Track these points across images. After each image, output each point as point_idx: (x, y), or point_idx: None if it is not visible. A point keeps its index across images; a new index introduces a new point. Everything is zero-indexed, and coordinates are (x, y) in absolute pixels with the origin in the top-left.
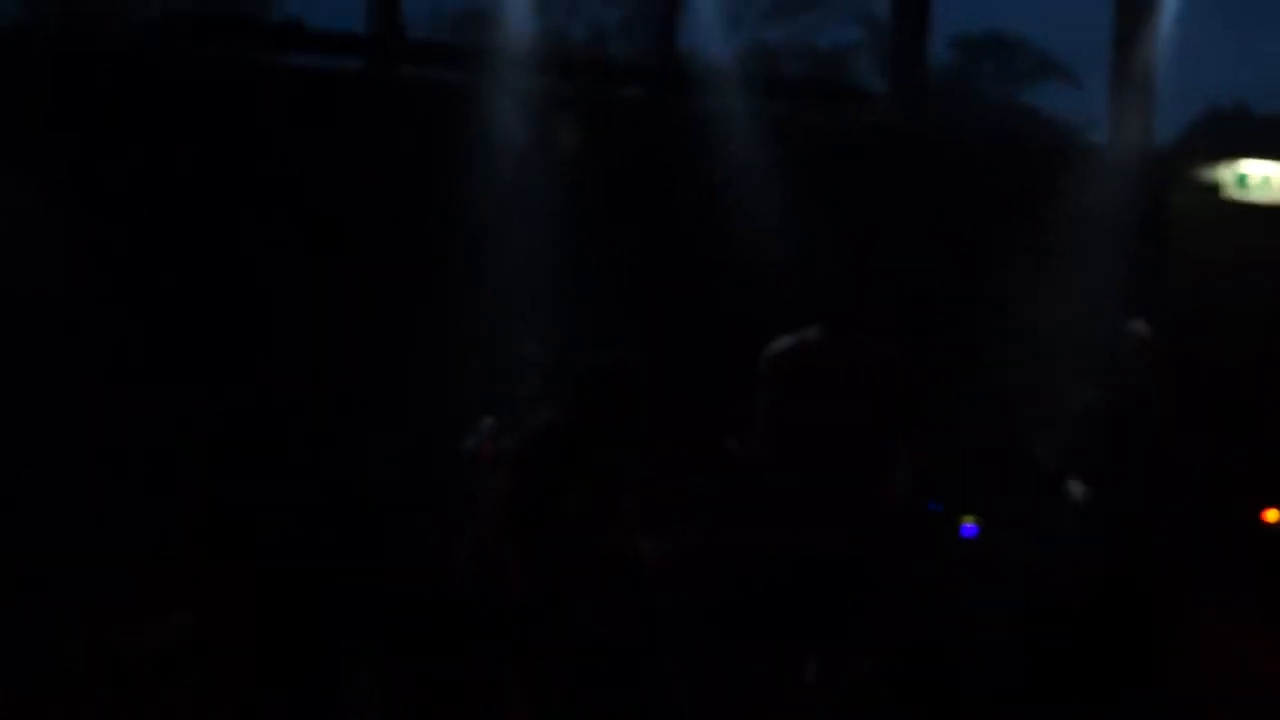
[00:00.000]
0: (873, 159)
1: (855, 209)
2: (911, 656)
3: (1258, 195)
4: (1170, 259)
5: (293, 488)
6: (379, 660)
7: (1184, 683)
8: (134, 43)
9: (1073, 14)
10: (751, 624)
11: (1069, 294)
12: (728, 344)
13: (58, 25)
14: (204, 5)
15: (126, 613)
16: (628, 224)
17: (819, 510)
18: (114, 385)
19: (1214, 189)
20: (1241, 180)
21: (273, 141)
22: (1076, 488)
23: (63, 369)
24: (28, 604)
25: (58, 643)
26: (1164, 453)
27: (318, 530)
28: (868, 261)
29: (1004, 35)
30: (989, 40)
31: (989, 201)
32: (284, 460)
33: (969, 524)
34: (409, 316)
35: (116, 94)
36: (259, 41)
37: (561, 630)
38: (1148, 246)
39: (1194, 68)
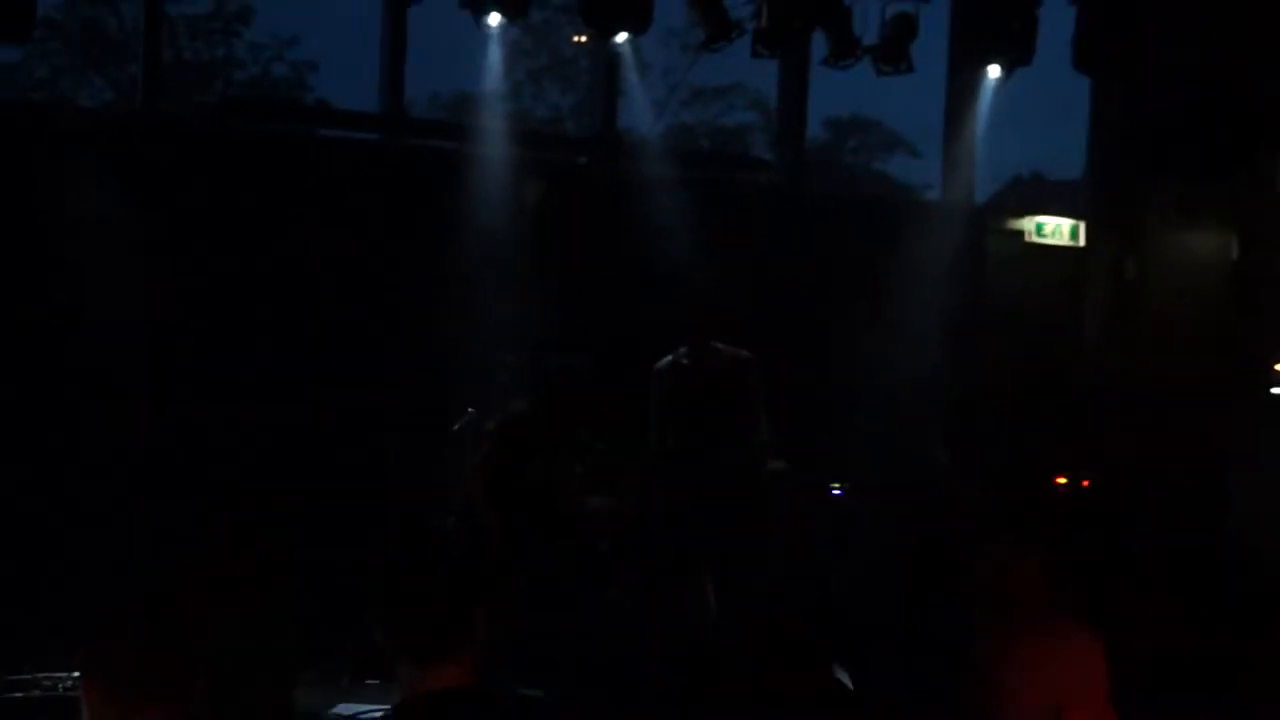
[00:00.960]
0: (764, 211)
1: (750, 249)
2: (790, 584)
3: (1050, 240)
4: (985, 287)
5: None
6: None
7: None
8: (201, 119)
9: (915, 102)
10: (666, 560)
11: (911, 310)
12: (648, 351)
13: (141, 106)
14: (253, 89)
15: None
16: (578, 259)
17: (701, 474)
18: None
19: (1018, 235)
20: (1039, 228)
21: (307, 195)
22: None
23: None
24: None
25: None
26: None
27: None
28: (758, 289)
29: (863, 118)
30: (852, 121)
31: (852, 244)
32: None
33: (835, 488)
34: (412, 326)
35: (187, 159)
36: (296, 118)
37: (523, 563)
38: (969, 277)
39: (1003, 145)
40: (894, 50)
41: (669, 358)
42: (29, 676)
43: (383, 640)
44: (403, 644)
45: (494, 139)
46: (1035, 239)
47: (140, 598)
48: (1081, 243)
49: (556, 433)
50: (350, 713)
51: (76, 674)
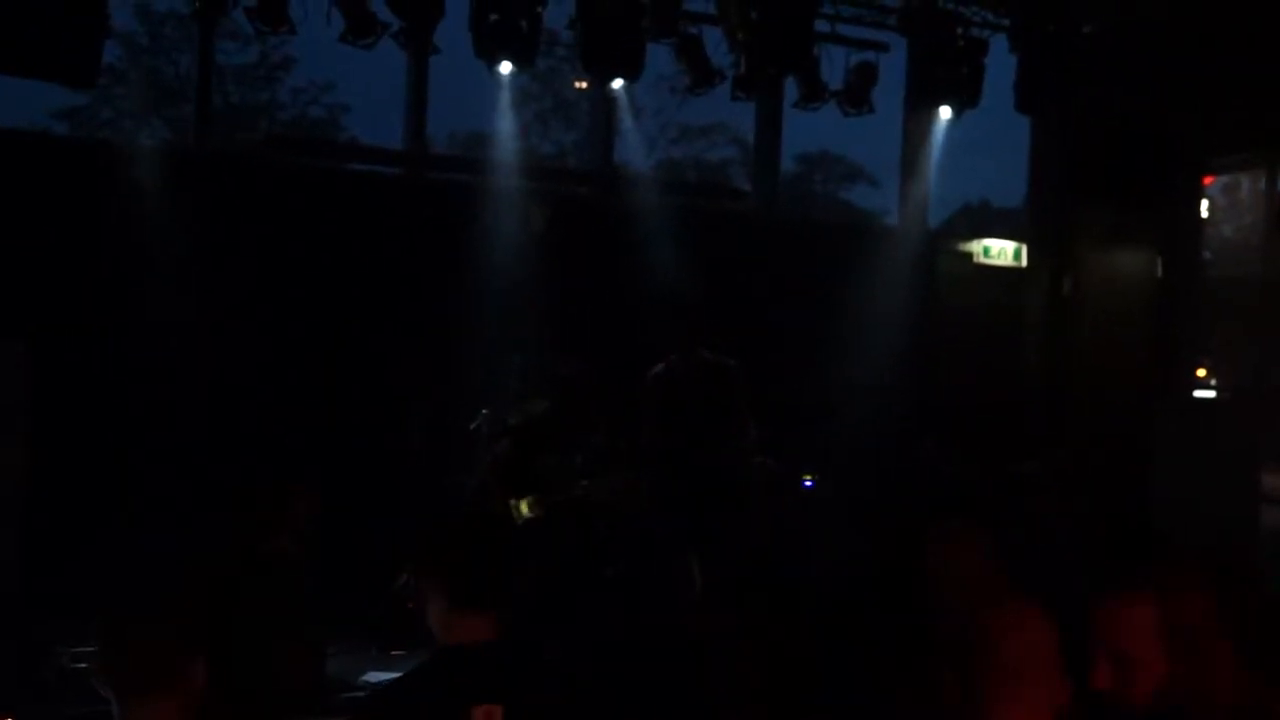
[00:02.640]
0: (742, 235)
1: (730, 268)
2: (766, 566)
3: (996, 261)
4: (938, 302)
5: None
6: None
7: None
8: (247, 155)
9: (875, 139)
10: (657, 542)
11: (871, 323)
12: (642, 359)
13: (194, 142)
14: (293, 129)
15: None
16: (579, 278)
17: (689, 468)
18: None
19: (968, 256)
20: (986, 250)
21: (339, 222)
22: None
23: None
24: None
25: None
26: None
27: None
28: (738, 303)
29: (830, 153)
30: (820, 156)
31: (820, 264)
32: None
33: (807, 479)
34: (431, 338)
35: (235, 190)
36: (330, 155)
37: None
38: (923, 294)
39: (953, 175)
40: (857, 94)
41: (662, 365)
42: (89, 648)
43: (427, 591)
44: (451, 594)
45: (505, 172)
46: (983, 260)
47: (144, 589)
48: (1023, 263)
49: (568, 433)
50: (377, 680)
51: None
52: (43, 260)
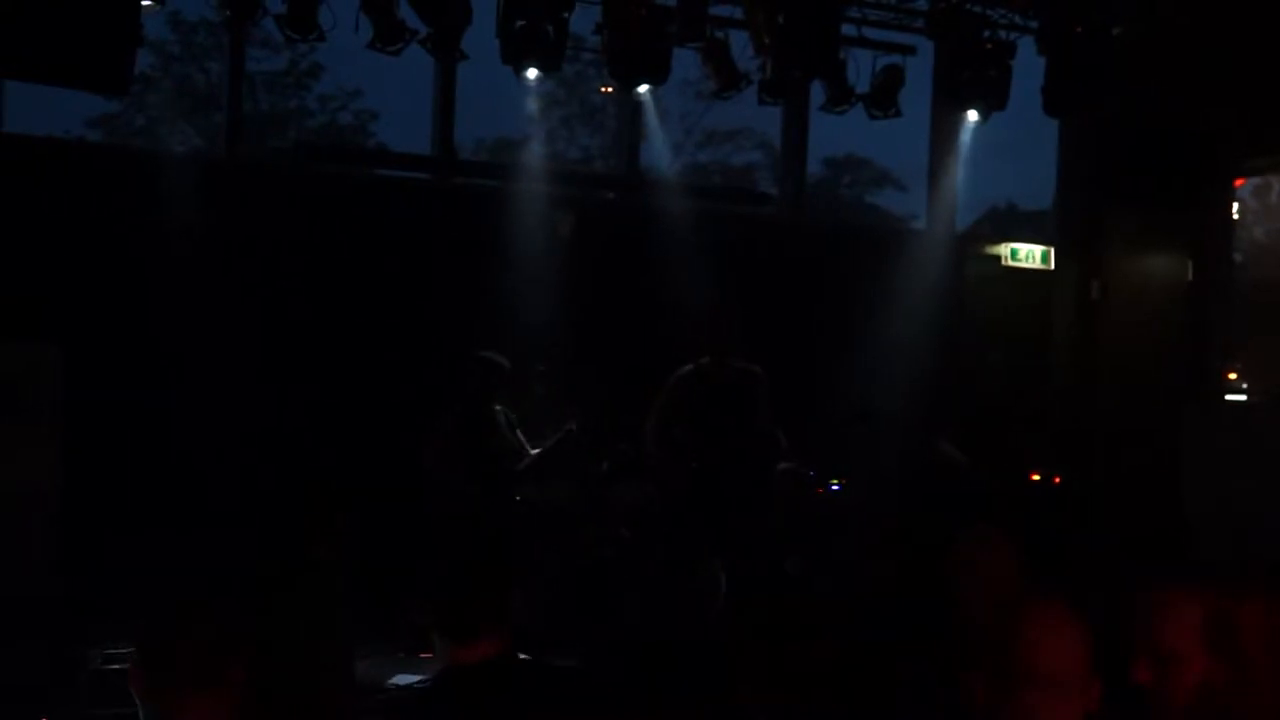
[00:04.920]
0: (769, 239)
1: (756, 272)
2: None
3: (1023, 264)
4: (965, 305)
5: None
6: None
7: None
8: (277, 162)
9: (902, 142)
10: (682, 549)
11: (899, 326)
12: (666, 362)
13: (225, 149)
14: (322, 136)
15: None
16: (605, 281)
17: (715, 473)
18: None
19: (995, 259)
20: (1013, 253)
21: (368, 227)
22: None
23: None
24: None
25: None
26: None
27: None
28: (764, 308)
29: (857, 156)
30: (847, 159)
31: (847, 267)
32: None
33: (835, 483)
34: (458, 340)
35: (265, 195)
36: (359, 161)
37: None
38: (950, 297)
39: (981, 179)
40: (884, 97)
41: (690, 366)
42: (123, 650)
43: (425, 619)
44: (442, 623)
45: (531, 177)
46: (1010, 263)
47: (187, 590)
48: (1052, 266)
49: (490, 410)
50: (406, 682)
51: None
52: (76, 265)
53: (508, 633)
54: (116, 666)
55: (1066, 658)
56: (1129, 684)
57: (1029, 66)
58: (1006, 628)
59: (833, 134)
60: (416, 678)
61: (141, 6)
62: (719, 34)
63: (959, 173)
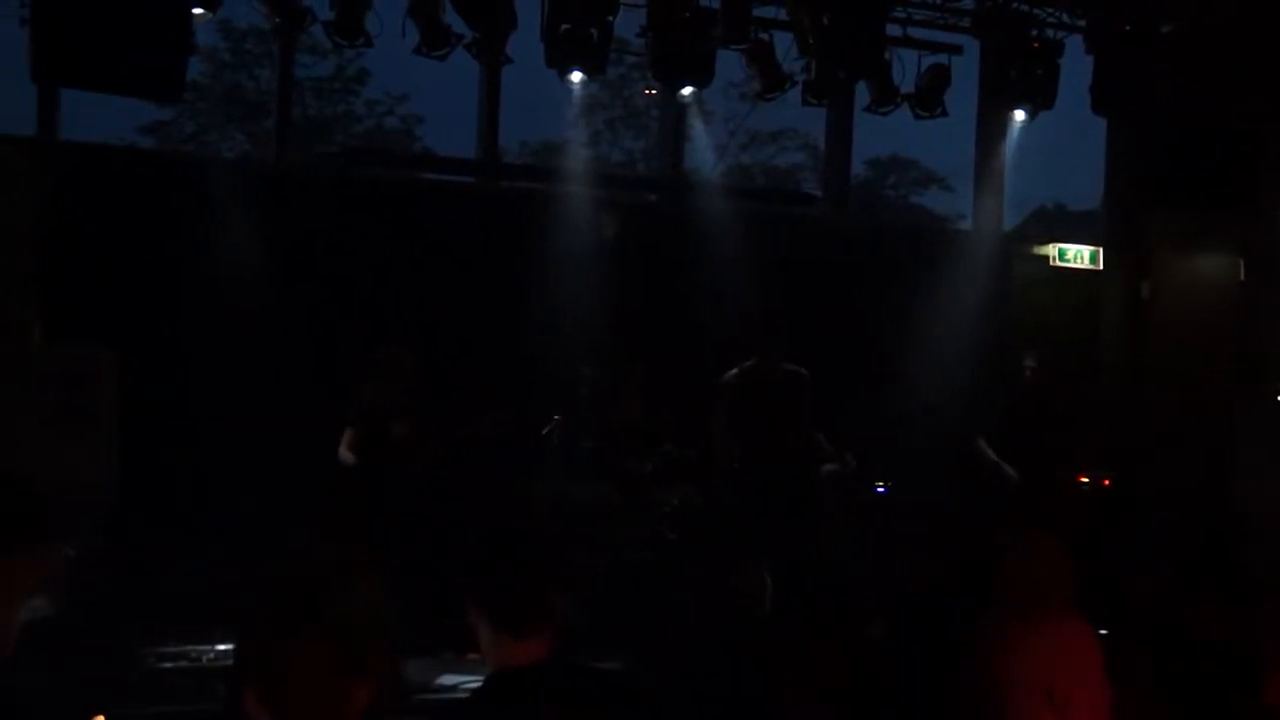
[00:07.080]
0: (813, 240)
1: (802, 274)
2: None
3: (1071, 264)
4: (1013, 306)
5: None
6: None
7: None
8: (325, 165)
9: (948, 142)
10: (727, 551)
11: (946, 327)
12: (711, 363)
13: (275, 155)
14: (369, 140)
15: None
16: (650, 284)
17: (760, 475)
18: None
19: (1043, 260)
20: (1061, 254)
21: (414, 230)
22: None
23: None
24: None
25: None
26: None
27: None
28: (809, 310)
29: (902, 156)
30: (892, 160)
31: (893, 269)
32: None
33: (880, 485)
34: (504, 342)
35: (314, 198)
36: (405, 164)
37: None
38: (998, 298)
39: (1028, 179)
40: (929, 97)
41: (735, 370)
42: (175, 649)
43: (472, 617)
44: (492, 620)
45: (575, 180)
46: (1058, 263)
47: (292, 593)
48: (1100, 267)
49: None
50: (453, 683)
51: (219, 647)
52: (131, 270)
53: (555, 634)
54: (169, 665)
55: (1083, 666)
56: (1263, 702)
57: (1077, 65)
58: (1028, 631)
59: (878, 134)
60: (463, 678)
61: (193, 15)
62: (763, 35)
63: (1006, 172)
